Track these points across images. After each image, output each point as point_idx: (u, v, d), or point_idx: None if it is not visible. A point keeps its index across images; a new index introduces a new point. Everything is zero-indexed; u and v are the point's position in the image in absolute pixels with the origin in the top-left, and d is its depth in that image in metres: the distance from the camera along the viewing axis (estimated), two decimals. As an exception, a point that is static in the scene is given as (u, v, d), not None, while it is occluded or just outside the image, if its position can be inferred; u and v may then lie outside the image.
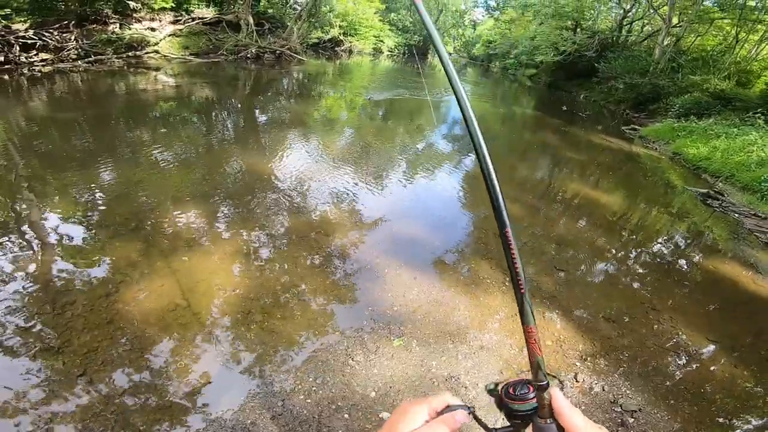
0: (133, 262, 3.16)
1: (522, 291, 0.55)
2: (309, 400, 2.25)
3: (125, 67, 10.78)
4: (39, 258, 3.11)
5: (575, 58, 23.46)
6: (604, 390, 2.65)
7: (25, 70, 8.90)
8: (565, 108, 16.55)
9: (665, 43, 16.87)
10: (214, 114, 8.02)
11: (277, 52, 16.01)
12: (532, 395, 0.54)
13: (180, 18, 13.85)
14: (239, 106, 9.06)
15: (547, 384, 0.53)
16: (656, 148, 11.33)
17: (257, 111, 8.87)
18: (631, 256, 4.70)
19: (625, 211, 6.19)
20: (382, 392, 2.36)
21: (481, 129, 0.59)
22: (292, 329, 2.75)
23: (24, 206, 3.78)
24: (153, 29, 12.76)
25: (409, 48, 30.49)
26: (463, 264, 3.84)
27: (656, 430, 2.41)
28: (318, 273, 3.39)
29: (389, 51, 28.31)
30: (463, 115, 0.60)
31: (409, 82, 16.09)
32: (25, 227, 3.48)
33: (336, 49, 22.64)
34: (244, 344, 2.58)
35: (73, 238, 3.40)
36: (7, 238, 3.27)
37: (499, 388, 0.56)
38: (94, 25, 11.35)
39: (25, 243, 3.27)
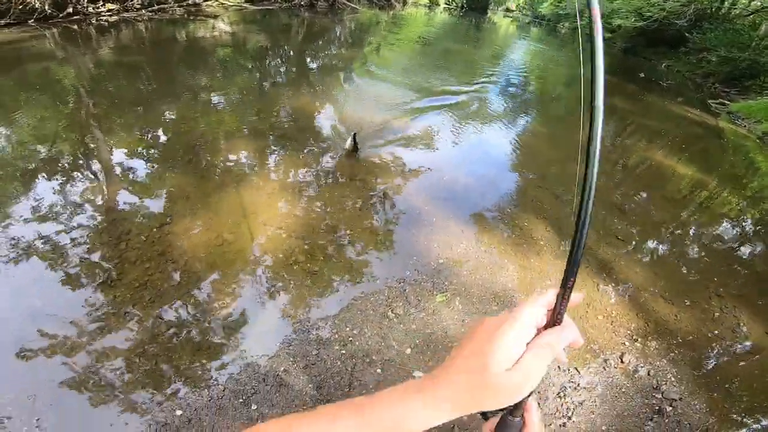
0: (186, 195, 3.29)
1: (569, 289, 0.45)
2: (344, 351, 2.25)
3: (185, 15, 10.96)
4: (103, 189, 3.30)
5: (662, 26, 21.21)
6: (649, 374, 2.52)
7: (93, 20, 9.26)
8: (642, 75, 15.14)
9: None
10: (267, 60, 8.06)
11: (331, 0, 15.56)
12: None
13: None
14: (291, 52, 9.01)
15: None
16: (745, 126, 10.21)
17: (308, 57, 8.80)
18: (701, 235, 4.29)
19: (698, 187, 5.59)
20: (419, 350, 2.32)
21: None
22: (334, 274, 2.76)
23: (92, 143, 4.01)
24: (211, -25, 12.75)
25: (468, 1, 28.45)
26: (515, 222, 3.66)
27: (691, 421, 2.31)
28: (363, 217, 3.37)
29: (446, 3, 26.52)
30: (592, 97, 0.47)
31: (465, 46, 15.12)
32: (93, 161, 3.71)
33: (391, -1, 21.52)
34: (285, 286, 2.62)
35: (134, 171, 3.59)
36: (76, 171, 3.50)
37: None
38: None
39: (92, 175, 3.48)
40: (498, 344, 0.41)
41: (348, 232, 3.15)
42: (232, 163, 3.89)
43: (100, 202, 3.13)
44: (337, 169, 4.04)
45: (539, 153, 5.43)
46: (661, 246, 3.92)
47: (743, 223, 4.87)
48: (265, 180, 3.68)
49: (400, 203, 3.63)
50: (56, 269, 2.52)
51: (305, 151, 4.30)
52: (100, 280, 2.45)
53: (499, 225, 3.59)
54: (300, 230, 3.09)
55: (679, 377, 2.56)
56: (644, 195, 4.88)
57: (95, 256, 2.63)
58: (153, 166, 3.69)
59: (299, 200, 3.46)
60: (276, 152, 4.22)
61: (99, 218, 2.97)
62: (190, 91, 5.57)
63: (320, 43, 10.59)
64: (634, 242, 3.79)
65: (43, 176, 3.35)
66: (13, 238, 2.68)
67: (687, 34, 18.63)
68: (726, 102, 12.26)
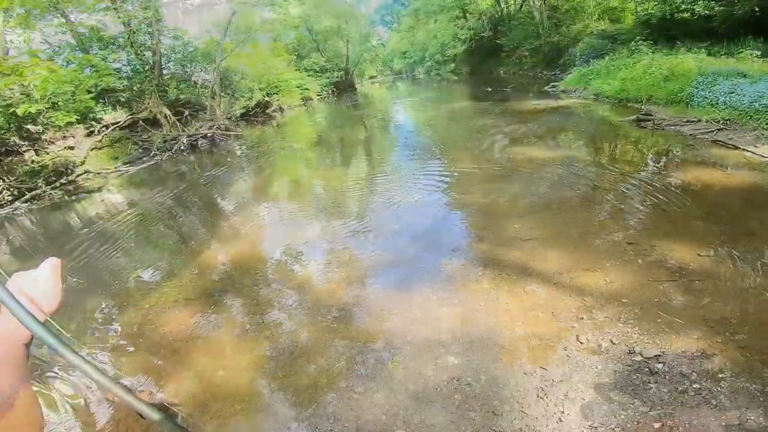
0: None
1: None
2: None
3: (65, 197, 9.94)
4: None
5: (478, 42, 25.39)
6: (613, 343, 2.45)
7: (-38, 227, 8.22)
8: (489, 89, 17.45)
9: (537, 4, 18.60)
10: (179, 218, 7.43)
11: (209, 134, 15.21)
12: None
13: (92, 129, 12.88)
14: (199, 201, 8.39)
15: None
16: (579, 95, 12.22)
17: (219, 198, 8.42)
18: (605, 195, 4.78)
19: (590, 155, 6.57)
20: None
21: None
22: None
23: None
24: (71, 147, 11.83)
25: (335, 85, 30.99)
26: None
27: (691, 367, 2.22)
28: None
29: (318, 95, 28.49)
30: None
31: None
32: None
33: (267, 112, 21.65)
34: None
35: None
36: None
37: None
38: (10, 158, 10.52)
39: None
40: None
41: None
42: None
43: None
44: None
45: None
46: (567, 230, 4.05)
47: (632, 166, 5.63)
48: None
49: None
50: None
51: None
52: None
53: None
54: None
55: (644, 332, 2.47)
56: (550, 187, 5.44)
57: None
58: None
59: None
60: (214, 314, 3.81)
61: None
62: (114, 277, 5.11)
63: (220, 175, 10.09)
64: (539, 237, 3.93)
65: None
66: None
67: (497, 41, 22.40)
68: (556, 83, 14.78)
